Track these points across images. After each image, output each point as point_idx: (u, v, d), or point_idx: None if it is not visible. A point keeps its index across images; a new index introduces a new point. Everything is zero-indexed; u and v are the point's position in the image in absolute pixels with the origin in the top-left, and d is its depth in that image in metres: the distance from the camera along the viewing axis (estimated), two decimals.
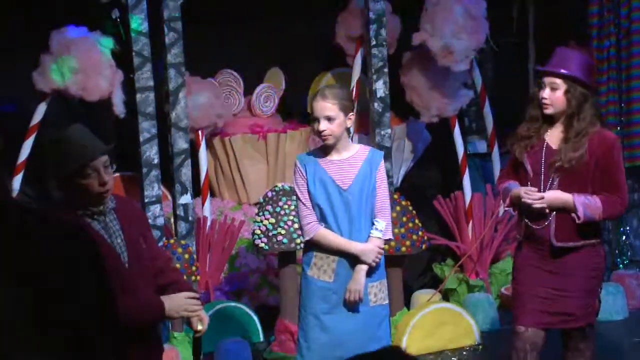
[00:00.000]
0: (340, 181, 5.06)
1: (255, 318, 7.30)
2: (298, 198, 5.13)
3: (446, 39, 7.71)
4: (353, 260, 5.07)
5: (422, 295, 7.73)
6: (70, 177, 4.04)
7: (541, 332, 5.21)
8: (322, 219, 5.07)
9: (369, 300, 5.12)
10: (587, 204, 5.06)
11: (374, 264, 5.09)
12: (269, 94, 8.28)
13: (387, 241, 5.27)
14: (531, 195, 5.09)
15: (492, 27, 8.06)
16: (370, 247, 5.07)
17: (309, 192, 5.07)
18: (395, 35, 8.05)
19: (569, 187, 5.10)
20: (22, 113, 7.43)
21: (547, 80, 5.17)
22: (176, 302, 4.28)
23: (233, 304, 7.28)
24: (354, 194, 5.05)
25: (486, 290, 7.87)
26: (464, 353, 7.00)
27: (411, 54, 8.10)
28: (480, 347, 7.08)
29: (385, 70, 7.71)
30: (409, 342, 6.85)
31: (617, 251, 8.41)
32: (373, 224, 5.11)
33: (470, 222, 8.11)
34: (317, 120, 5.04)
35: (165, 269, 4.44)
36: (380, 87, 7.69)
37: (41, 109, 7.26)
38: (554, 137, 5.20)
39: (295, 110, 8.65)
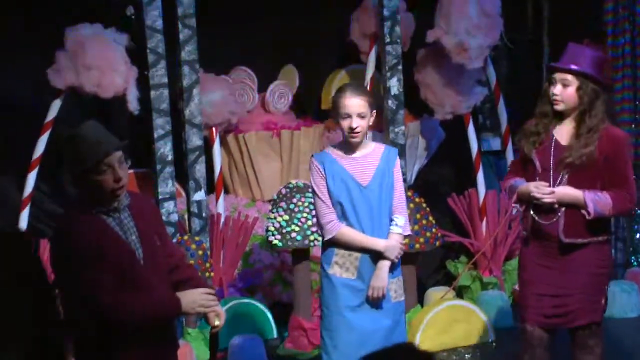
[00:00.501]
0: (360, 178, 5.05)
1: (269, 314, 7.32)
2: (317, 196, 5.08)
3: (460, 36, 7.70)
4: (375, 256, 5.07)
5: (435, 293, 7.73)
6: (85, 174, 4.05)
7: (545, 331, 5.24)
8: (344, 216, 5.06)
9: (390, 296, 5.13)
10: (597, 200, 5.05)
11: (396, 260, 5.10)
12: (282, 91, 8.28)
13: (406, 237, 5.27)
14: (541, 190, 5.08)
15: (507, 24, 8.04)
16: (393, 244, 5.08)
17: (328, 190, 5.05)
18: (409, 32, 8.05)
19: (579, 184, 5.08)
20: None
21: (559, 76, 5.14)
22: (192, 298, 4.27)
23: (247, 300, 7.29)
24: (374, 191, 5.05)
25: (500, 287, 7.86)
26: (478, 350, 7.00)
27: (425, 51, 8.10)
28: (494, 344, 7.07)
29: (399, 67, 7.71)
30: (422, 339, 6.85)
31: (631, 249, 8.39)
32: (392, 220, 5.12)
33: (484, 219, 8.10)
34: (348, 117, 5.00)
35: (180, 265, 4.45)
36: (394, 85, 7.69)
37: (55, 106, 7.28)
38: (563, 133, 5.19)
39: (309, 108, 8.66)
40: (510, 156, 8.27)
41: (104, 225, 4.12)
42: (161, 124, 7.12)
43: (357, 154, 5.10)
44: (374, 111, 5.10)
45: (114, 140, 4.12)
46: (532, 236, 5.23)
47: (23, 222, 7.34)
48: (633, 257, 8.38)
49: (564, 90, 5.13)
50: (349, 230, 5.04)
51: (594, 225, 5.10)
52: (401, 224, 5.13)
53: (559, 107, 5.15)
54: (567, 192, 5.08)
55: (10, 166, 7.62)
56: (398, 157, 5.21)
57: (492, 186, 8.25)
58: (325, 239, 5.10)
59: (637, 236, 8.38)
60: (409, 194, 7.35)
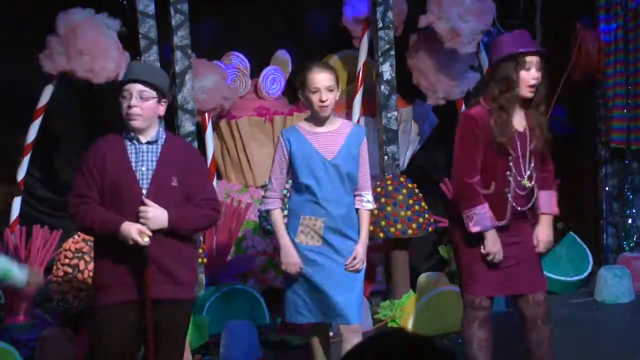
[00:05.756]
0: (326, 152, 5.27)
1: (262, 300, 7.32)
2: (272, 171, 5.36)
3: (453, 22, 7.69)
4: (336, 224, 5.28)
5: (428, 278, 7.74)
6: (119, 93, 4.81)
7: (492, 301, 5.40)
8: (308, 189, 5.26)
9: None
10: (553, 204, 5.37)
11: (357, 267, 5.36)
12: (275, 76, 8.28)
13: (372, 211, 5.56)
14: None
15: (499, 8, 8.04)
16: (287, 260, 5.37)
17: (293, 166, 5.28)
18: (401, 17, 8.04)
19: (540, 162, 5.28)
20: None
21: (534, 60, 5.14)
22: (133, 225, 4.70)
23: (239, 286, 7.30)
24: (338, 165, 5.26)
25: None
26: None
27: (418, 36, 8.09)
28: None
29: (392, 52, 7.70)
30: (415, 325, 6.87)
31: (623, 234, 8.42)
32: (360, 195, 5.37)
33: None
34: (317, 90, 5.23)
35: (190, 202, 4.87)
36: (387, 70, 7.69)
37: (48, 91, 7.26)
38: (516, 120, 5.21)
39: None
40: None
41: (119, 147, 4.78)
42: None
43: (325, 129, 5.32)
44: (340, 87, 5.40)
45: (139, 74, 4.81)
46: (511, 221, 5.29)
47: (15, 209, 7.34)
48: (625, 242, 8.41)
49: (539, 74, 5.16)
50: (278, 216, 5.38)
51: (532, 197, 5.31)
52: (371, 200, 5.43)
53: (533, 94, 5.18)
54: (546, 232, 5.37)
55: (2, 152, 7.61)
56: (365, 136, 5.43)
57: None
58: (263, 209, 5.50)
59: (629, 221, 8.41)
60: (402, 179, 7.35)
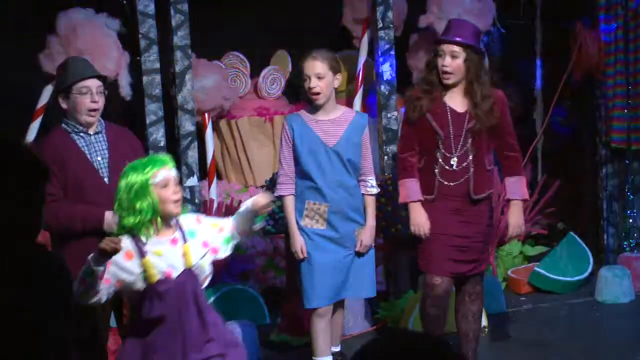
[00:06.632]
0: (327, 140, 5.45)
1: (262, 300, 7.32)
2: (280, 158, 5.53)
3: None
4: (339, 209, 5.47)
5: None
6: (69, 91, 4.92)
7: (451, 280, 5.57)
8: (309, 176, 5.44)
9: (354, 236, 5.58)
10: (519, 190, 5.59)
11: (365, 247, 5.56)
12: (275, 76, 8.27)
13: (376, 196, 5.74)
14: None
15: (499, 8, 8.04)
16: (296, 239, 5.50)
17: (297, 152, 5.44)
18: (401, 17, 8.04)
19: (479, 147, 5.46)
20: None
21: (447, 48, 5.44)
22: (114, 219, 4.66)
23: (239, 286, 7.29)
24: (340, 152, 5.44)
25: (492, 272, 7.87)
26: None
27: (418, 36, 8.09)
28: (486, 329, 7.08)
29: (392, 52, 7.70)
30: (415, 324, 6.86)
31: (623, 234, 8.41)
32: (363, 181, 5.56)
33: None
34: (307, 78, 5.43)
35: None
36: (387, 70, 7.68)
37: (47, 91, 7.25)
38: (455, 102, 5.49)
39: (302, 93, 8.64)
40: None
41: (70, 142, 4.91)
42: (153, 109, 7.10)
43: (327, 116, 5.51)
44: (339, 74, 5.52)
45: (94, 71, 5.06)
46: (440, 196, 5.49)
47: None
48: (625, 243, 8.40)
49: (454, 62, 5.43)
50: (289, 203, 5.53)
51: (489, 181, 5.58)
52: (375, 184, 5.63)
53: (450, 80, 5.45)
54: (516, 217, 5.62)
55: None
56: (367, 123, 5.59)
57: None
58: (278, 194, 5.57)
59: (630, 221, 8.41)
60: None
